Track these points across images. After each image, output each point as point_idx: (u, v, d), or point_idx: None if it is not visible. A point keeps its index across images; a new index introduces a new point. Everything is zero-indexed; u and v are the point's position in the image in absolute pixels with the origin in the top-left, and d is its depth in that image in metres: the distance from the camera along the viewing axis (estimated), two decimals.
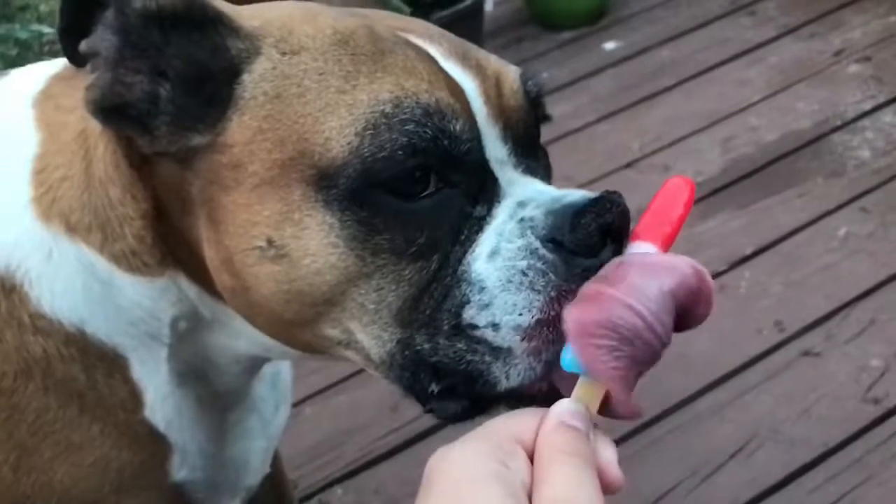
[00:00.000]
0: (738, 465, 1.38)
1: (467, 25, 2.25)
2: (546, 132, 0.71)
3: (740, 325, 1.61)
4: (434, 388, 0.62)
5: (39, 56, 1.86)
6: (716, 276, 1.72)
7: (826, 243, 1.75)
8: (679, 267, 0.54)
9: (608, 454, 0.52)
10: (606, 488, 0.50)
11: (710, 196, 1.92)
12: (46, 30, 1.82)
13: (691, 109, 2.21)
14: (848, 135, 2.02)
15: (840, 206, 1.83)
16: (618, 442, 0.57)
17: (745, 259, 1.75)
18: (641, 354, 0.52)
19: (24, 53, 1.83)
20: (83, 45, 0.61)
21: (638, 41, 2.51)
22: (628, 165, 2.06)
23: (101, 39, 0.60)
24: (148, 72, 0.61)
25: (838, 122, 2.06)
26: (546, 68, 2.48)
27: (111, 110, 0.61)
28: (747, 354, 1.55)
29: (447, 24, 2.36)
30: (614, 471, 0.52)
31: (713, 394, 1.50)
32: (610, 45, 2.53)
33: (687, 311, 0.54)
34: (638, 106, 2.27)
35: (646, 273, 0.54)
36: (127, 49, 0.60)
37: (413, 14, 2.14)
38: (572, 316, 0.54)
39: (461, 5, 2.19)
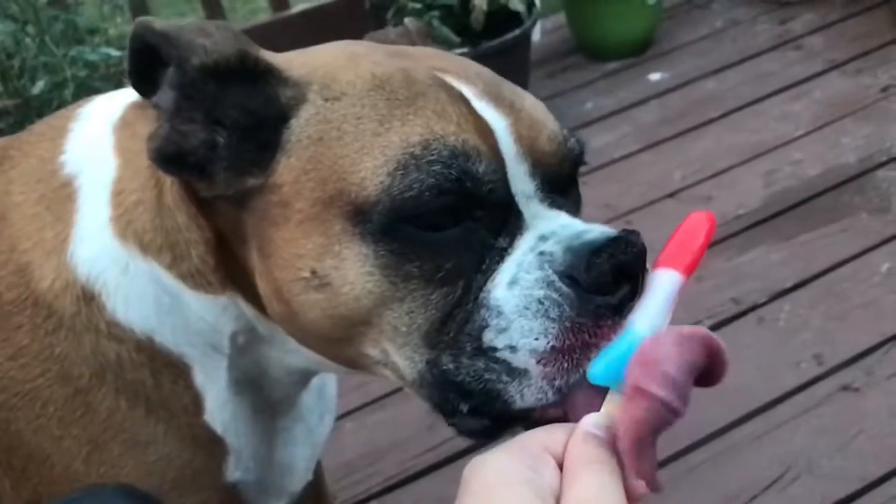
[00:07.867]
0: (772, 496, 1.38)
1: (515, 55, 2.29)
2: (589, 161, 0.73)
3: (779, 357, 1.61)
4: (463, 407, 0.66)
5: (107, 77, 1.95)
6: (755, 308, 1.73)
7: (868, 279, 1.75)
8: (709, 344, 0.56)
9: None
10: (631, 496, 0.53)
11: (751, 228, 1.92)
12: (114, 53, 1.91)
13: (735, 142, 2.22)
14: (893, 171, 2.02)
15: (884, 242, 1.82)
16: None
17: (786, 292, 1.75)
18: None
19: (93, 74, 1.92)
20: (153, 101, 0.67)
21: (683, 73, 2.54)
22: (670, 195, 2.08)
23: (164, 94, 0.66)
24: (203, 121, 0.66)
25: (884, 158, 2.06)
26: (591, 97, 2.51)
27: (172, 158, 0.66)
28: (785, 387, 1.55)
29: (495, 54, 2.39)
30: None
31: (749, 424, 1.50)
32: (655, 77, 2.56)
33: (705, 379, 0.57)
34: (681, 137, 2.29)
35: (682, 358, 0.54)
36: (183, 101, 0.65)
37: (462, 44, 2.19)
38: (628, 416, 0.53)
39: (509, 35, 2.24)
